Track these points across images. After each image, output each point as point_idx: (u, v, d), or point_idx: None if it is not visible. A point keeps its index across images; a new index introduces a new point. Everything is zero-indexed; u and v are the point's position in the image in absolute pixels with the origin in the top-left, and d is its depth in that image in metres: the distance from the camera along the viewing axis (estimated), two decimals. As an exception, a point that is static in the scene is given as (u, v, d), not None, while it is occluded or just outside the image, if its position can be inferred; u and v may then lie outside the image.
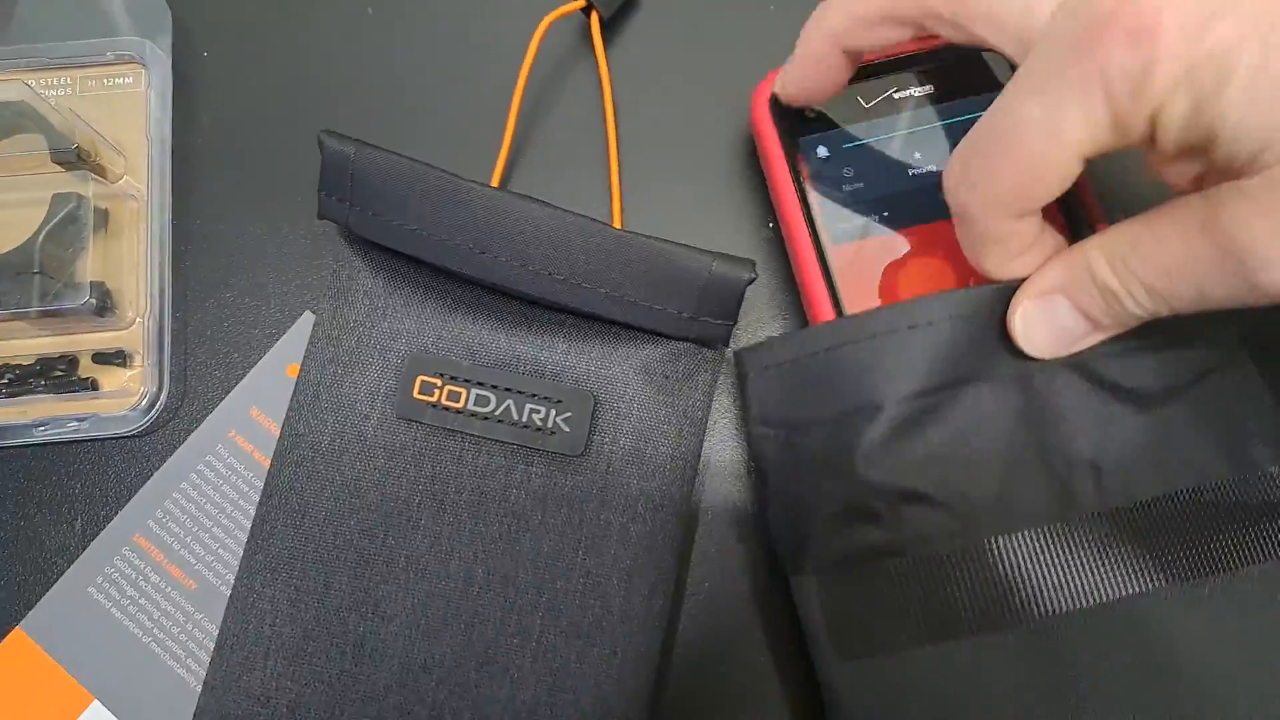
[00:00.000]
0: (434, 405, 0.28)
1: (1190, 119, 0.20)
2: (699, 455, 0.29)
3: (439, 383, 0.28)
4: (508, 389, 0.28)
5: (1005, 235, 0.24)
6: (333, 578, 0.27)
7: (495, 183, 0.31)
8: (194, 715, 0.27)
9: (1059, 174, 0.22)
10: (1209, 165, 0.21)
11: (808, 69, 0.27)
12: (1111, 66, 0.20)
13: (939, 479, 0.24)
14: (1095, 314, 0.24)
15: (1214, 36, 0.19)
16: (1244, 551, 0.23)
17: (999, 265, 0.24)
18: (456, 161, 0.28)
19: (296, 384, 0.29)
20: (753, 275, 0.27)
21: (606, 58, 0.32)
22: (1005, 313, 0.24)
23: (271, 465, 0.28)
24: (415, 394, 0.28)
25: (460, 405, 0.28)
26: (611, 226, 0.27)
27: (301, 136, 0.32)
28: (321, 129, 0.27)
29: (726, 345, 0.29)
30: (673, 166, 0.33)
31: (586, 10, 0.32)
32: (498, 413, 0.28)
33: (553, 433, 0.28)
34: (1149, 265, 0.22)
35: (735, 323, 0.28)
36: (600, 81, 0.33)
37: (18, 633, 0.29)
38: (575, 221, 0.27)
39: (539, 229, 0.27)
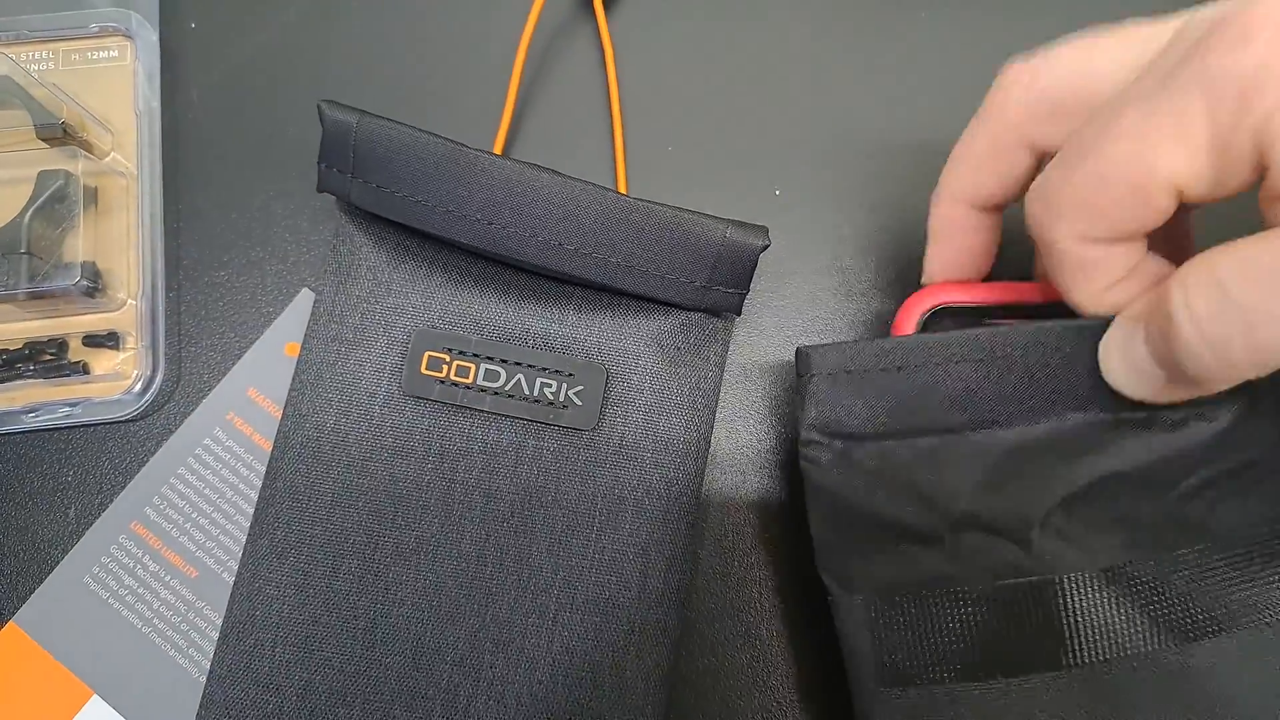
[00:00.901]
0: (442, 381, 0.27)
1: None
2: (712, 427, 0.28)
3: (447, 358, 0.27)
4: (518, 363, 0.27)
5: (1089, 262, 0.21)
6: (341, 561, 0.27)
7: (498, 153, 0.31)
8: (200, 705, 0.26)
9: (1149, 197, 0.19)
10: None
11: (950, 247, 0.25)
12: (1215, 66, 0.17)
13: (1009, 512, 0.23)
14: (1174, 343, 0.19)
15: None
16: None
17: (1089, 298, 0.21)
18: (456, 133, 0.27)
19: (298, 363, 0.28)
20: (766, 242, 0.26)
21: (609, 27, 0.32)
22: (1093, 349, 0.22)
23: (274, 447, 0.27)
24: (423, 370, 0.27)
25: (469, 380, 0.27)
26: (622, 194, 0.26)
27: (294, 109, 0.32)
28: (320, 99, 0.26)
29: (738, 314, 0.28)
30: (677, 134, 0.32)
31: (588, -24, 0.32)
32: (508, 387, 0.27)
33: (565, 407, 0.27)
34: (1227, 280, 0.18)
35: (748, 291, 0.27)
36: (603, 51, 0.32)
37: (11, 627, 0.28)
38: (585, 189, 0.26)
39: (548, 198, 0.26)
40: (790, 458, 0.29)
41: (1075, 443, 0.22)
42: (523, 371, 0.27)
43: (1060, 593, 0.23)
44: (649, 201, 0.26)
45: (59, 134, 0.30)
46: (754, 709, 0.28)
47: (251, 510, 0.28)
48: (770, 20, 0.32)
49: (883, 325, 0.31)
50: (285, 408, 0.28)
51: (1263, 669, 0.22)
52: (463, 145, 0.26)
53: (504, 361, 0.27)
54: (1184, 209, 0.20)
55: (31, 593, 0.28)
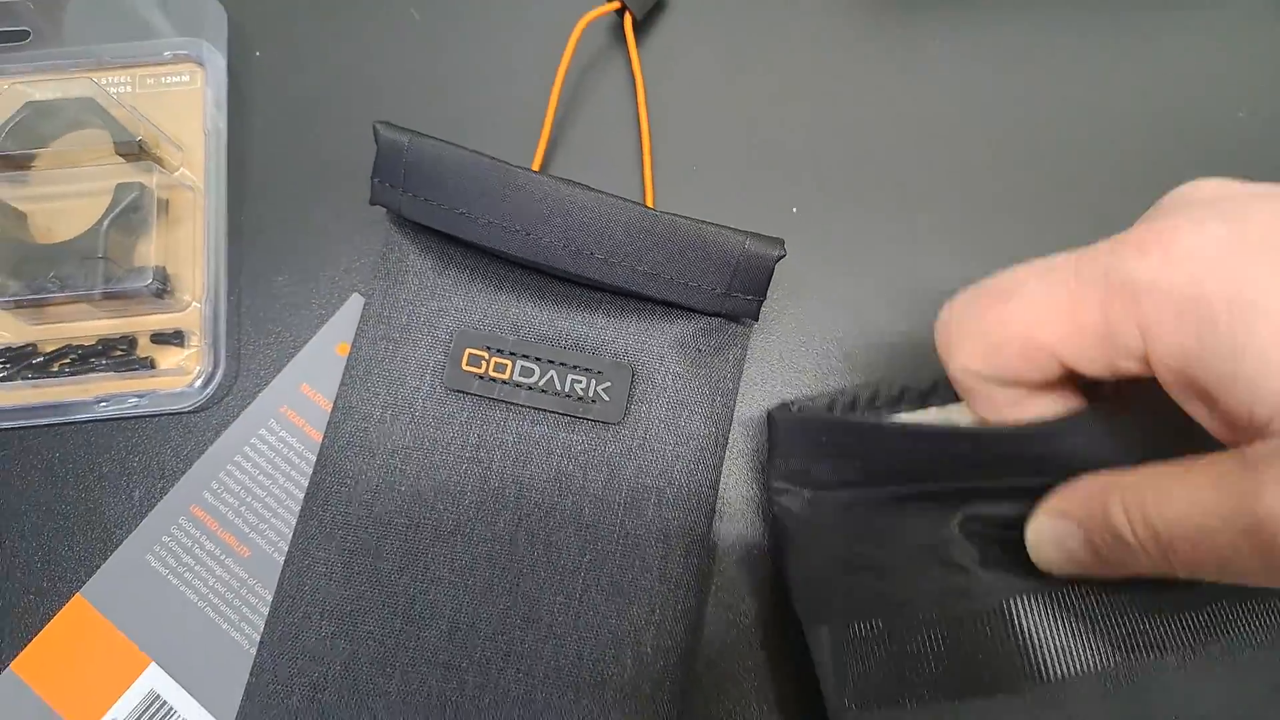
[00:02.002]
0: (481, 377, 0.29)
1: (1193, 349, 0.18)
2: (730, 424, 0.30)
3: (486, 355, 0.30)
4: (550, 361, 0.30)
5: (980, 392, 0.23)
6: (384, 541, 0.29)
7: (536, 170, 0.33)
8: (250, 673, 0.28)
9: (1032, 361, 0.21)
10: (1220, 412, 0.19)
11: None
12: (1121, 265, 0.19)
13: (958, 546, 0.25)
14: (1106, 551, 0.21)
15: (1245, 266, 0.18)
16: (1244, 622, 0.23)
17: (986, 414, 0.23)
18: (498, 152, 0.29)
19: (348, 360, 0.30)
20: (782, 252, 0.29)
21: (639, 55, 0.34)
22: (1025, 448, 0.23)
23: (325, 436, 0.30)
24: (463, 366, 0.30)
25: (506, 376, 0.30)
26: (649, 208, 0.29)
27: (349, 133, 0.34)
28: (375, 120, 0.29)
29: (755, 319, 0.30)
30: (701, 153, 0.34)
31: (620, 11, 0.34)
32: (541, 383, 0.29)
33: (593, 402, 0.29)
34: (1160, 516, 0.20)
35: (765, 298, 0.30)
36: (633, 77, 0.35)
37: (78, 599, 0.31)
38: (616, 203, 0.29)
39: (582, 211, 0.29)
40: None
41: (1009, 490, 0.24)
42: (555, 369, 0.30)
43: (1010, 614, 0.24)
44: (674, 214, 0.29)
45: (135, 150, 0.32)
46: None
47: (302, 496, 0.30)
48: (791, 44, 0.34)
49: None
50: (335, 401, 0.30)
51: (1215, 687, 0.23)
52: (504, 162, 0.29)
53: (538, 359, 0.30)
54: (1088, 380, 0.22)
55: (97, 568, 0.31)
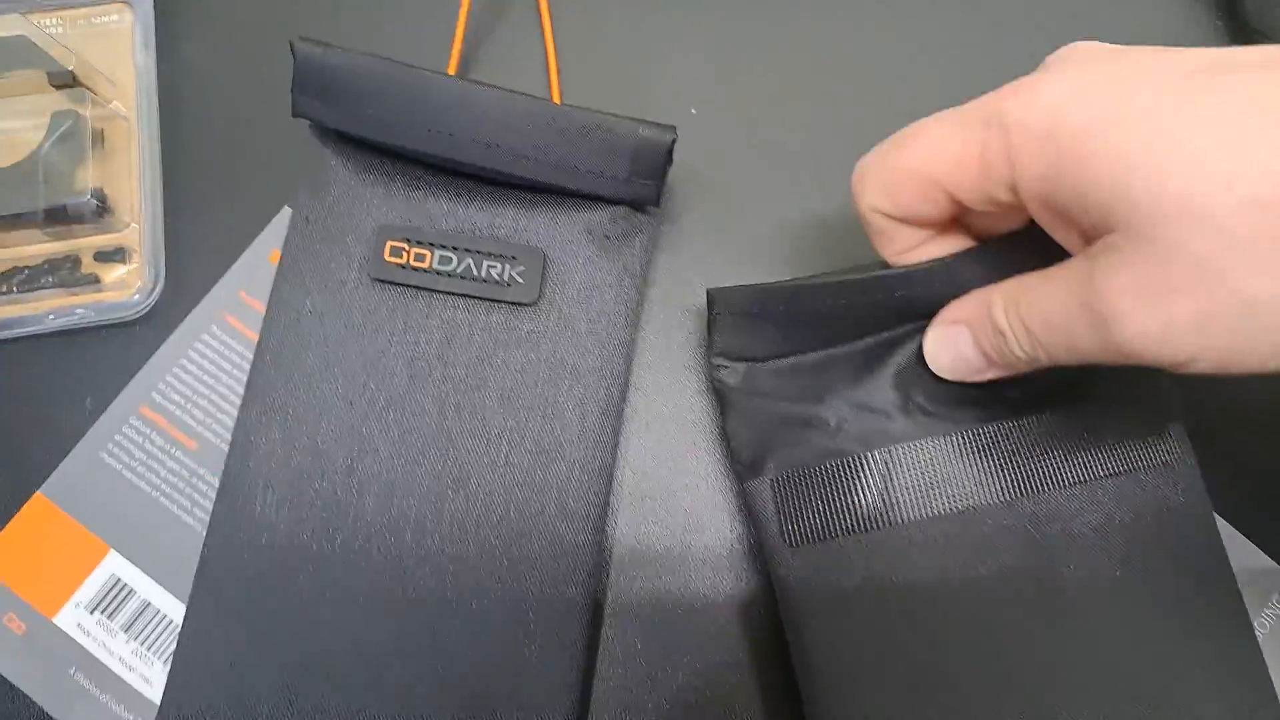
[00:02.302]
0: (403, 266, 0.32)
1: (1050, 174, 0.22)
2: (640, 304, 0.33)
3: (406, 246, 0.32)
4: (467, 249, 0.32)
5: (884, 231, 0.27)
6: (321, 419, 0.31)
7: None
8: (203, 546, 0.30)
9: (926, 194, 0.25)
10: (1076, 231, 0.23)
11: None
12: (997, 107, 0.22)
13: (882, 397, 0.29)
14: (988, 351, 0.26)
15: (1092, 104, 0.21)
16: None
17: (888, 256, 0.27)
18: (413, 61, 0.32)
19: (280, 261, 0.33)
20: (674, 136, 0.31)
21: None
22: (931, 292, 0.27)
23: (262, 331, 0.32)
24: (386, 257, 0.32)
25: (426, 265, 0.32)
26: (554, 102, 0.32)
27: (271, 56, 0.36)
28: (292, 37, 0.32)
29: (657, 205, 0.33)
30: (602, 62, 0.37)
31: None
32: (459, 270, 0.32)
33: (509, 285, 0.32)
34: (1033, 313, 0.23)
35: (663, 182, 0.32)
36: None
37: (39, 497, 0.33)
38: (522, 99, 0.31)
39: (490, 107, 0.31)
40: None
41: (900, 359, 0.29)
42: (471, 256, 0.32)
43: (926, 452, 0.28)
44: (576, 106, 0.31)
45: (69, 81, 0.35)
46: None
47: (243, 391, 0.33)
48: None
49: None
50: (270, 296, 0.32)
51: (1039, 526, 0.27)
52: (416, 67, 0.31)
53: (455, 248, 0.32)
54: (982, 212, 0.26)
55: (55, 468, 0.33)
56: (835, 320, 0.29)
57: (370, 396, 0.31)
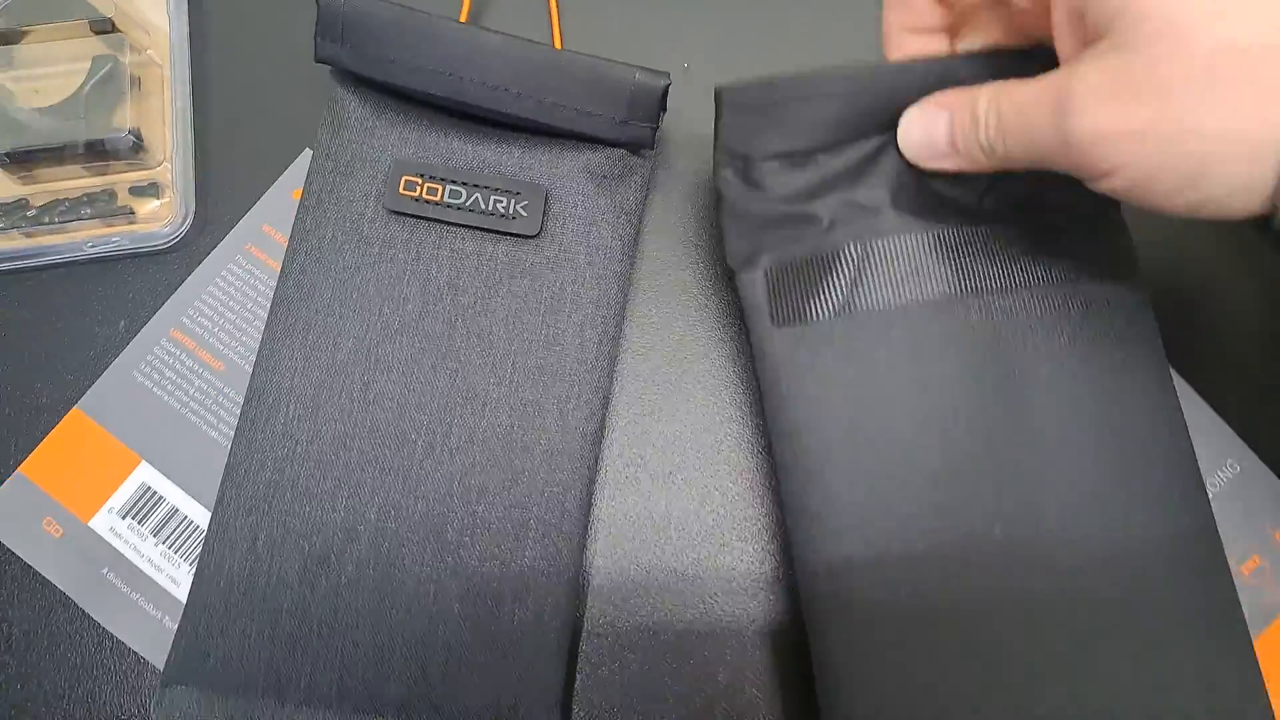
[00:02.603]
0: (416, 199, 0.35)
1: None
2: (635, 240, 0.36)
3: (420, 180, 0.35)
4: (476, 185, 0.35)
5: (898, 41, 0.30)
6: (340, 339, 0.34)
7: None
8: (230, 449, 0.33)
9: None
10: (1085, 31, 0.24)
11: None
12: None
13: (870, 196, 0.31)
14: (957, 135, 0.28)
15: None
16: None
17: (895, 46, 0.31)
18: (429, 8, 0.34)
19: (302, 196, 0.35)
20: (668, 81, 0.34)
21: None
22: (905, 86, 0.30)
23: (285, 259, 0.35)
24: (400, 190, 0.35)
25: (438, 199, 0.35)
26: (556, 48, 0.34)
27: (290, 11, 0.39)
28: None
29: (651, 148, 0.36)
30: (602, 17, 0.40)
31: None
32: (468, 204, 0.35)
33: (514, 218, 0.35)
34: (1010, 100, 0.26)
35: (658, 126, 0.35)
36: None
37: (76, 411, 0.35)
38: (526, 45, 0.34)
39: (497, 52, 0.34)
40: None
41: (888, 159, 0.31)
42: (480, 191, 0.35)
43: (907, 246, 0.31)
44: (576, 52, 0.34)
45: (108, 29, 0.37)
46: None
47: (265, 316, 0.35)
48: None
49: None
50: (292, 229, 0.35)
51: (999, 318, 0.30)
52: (430, 14, 0.34)
53: (464, 184, 0.35)
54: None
55: (90, 386, 0.35)
56: (833, 119, 0.31)
57: (385, 320, 0.34)
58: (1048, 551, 0.29)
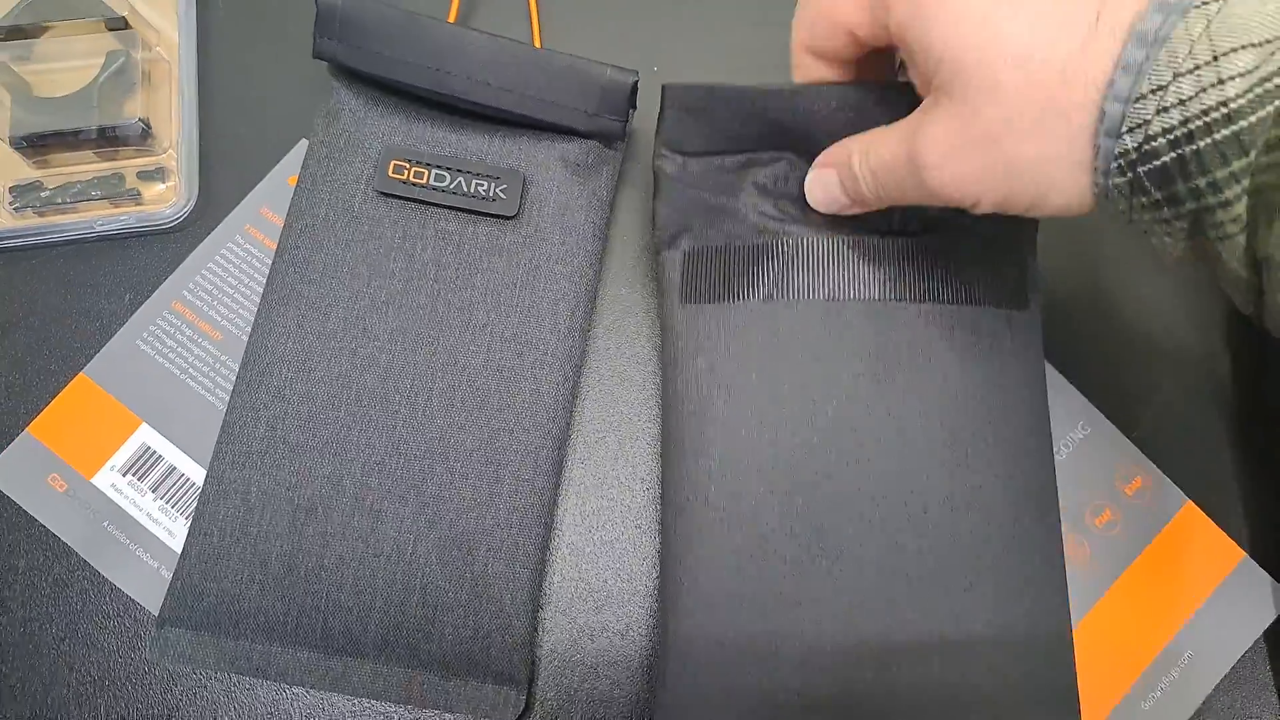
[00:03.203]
0: (404, 181, 0.38)
1: (908, 21, 0.26)
2: (606, 224, 0.39)
3: (407, 165, 0.38)
4: (459, 169, 0.38)
5: (804, 65, 0.32)
6: (329, 309, 0.36)
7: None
8: (226, 409, 0.36)
9: (832, 33, 0.30)
10: (923, 75, 0.27)
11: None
12: None
13: (784, 196, 0.35)
14: (848, 189, 0.31)
15: None
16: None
17: (799, 68, 0.33)
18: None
19: (298, 179, 0.38)
20: (636, 78, 0.37)
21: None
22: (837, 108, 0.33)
23: (281, 236, 0.37)
24: (389, 174, 0.38)
25: (424, 182, 0.38)
26: (535, 46, 0.37)
27: (289, 11, 0.42)
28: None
29: (622, 140, 0.39)
30: (580, 22, 0.43)
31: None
32: (452, 187, 0.38)
33: (493, 200, 0.38)
34: (876, 158, 0.29)
35: (627, 120, 0.38)
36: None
37: (82, 376, 0.38)
38: (507, 43, 0.37)
39: (482, 50, 0.37)
40: None
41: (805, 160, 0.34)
42: (462, 175, 0.38)
43: (805, 248, 0.34)
44: (553, 50, 0.37)
45: (121, 25, 0.40)
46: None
47: (263, 288, 0.38)
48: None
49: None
50: (289, 209, 0.38)
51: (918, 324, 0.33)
52: (419, 15, 0.37)
53: (449, 169, 0.38)
54: (877, 52, 0.31)
55: (96, 353, 0.38)
56: (757, 130, 0.34)
57: (373, 292, 0.37)
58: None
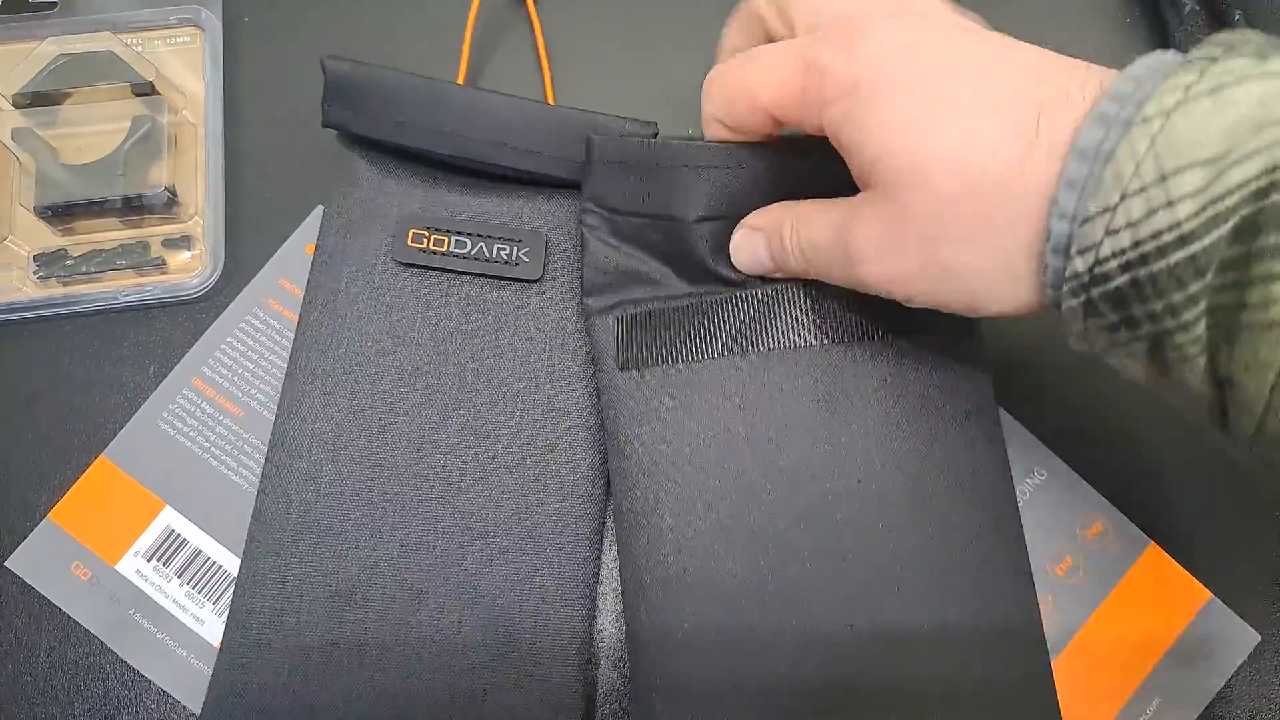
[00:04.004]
0: (424, 250, 0.35)
1: (844, 119, 0.25)
2: None
3: (427, 233, 0.36)
4: (480, 234, 0.36)
5: (714, 131, 0.31)
6: (357, 384, 0.35)
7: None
8: (258, 494, 0.34)
9: (754, 112, 0.28)
10: (856, 168, 0.27)
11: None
12: (818, 55, 0.26)
13: (713, 255, 0.33)
14: (776, 257, 0.30)
15: (887, 70, 0.24)
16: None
17: (711, 131, 0.31)
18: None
19: (316, 252, 0.36)
20: (656, 131, 0.34)
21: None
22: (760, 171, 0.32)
23: (301, 311, 0.36)
24: (409, 243, 0.36)
25: (444, 249, 0.35)
26: (550, 104, 0.35)
27: (316, 77, 0.41)
28: (323, 55, 0.35)
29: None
30: (595, 85, 0.41)
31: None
32: (473, 253, 0.35)
33: (517, 264, 0.35)
34: (806, 237, 0.29)
35: None
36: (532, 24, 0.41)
37: (102, 459, 0.37)
38: (523, 103, 0.35)
39: (496, 111, 0.35)
40: None
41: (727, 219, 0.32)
42: (484, 240, 0.35)
43: (741, 302, 0.32)
44: (567, 107, 0.35)
45: (148, 90, 0.39)
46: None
47: (283, 365, 0.36)
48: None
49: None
50: (308, 281, 0.36)
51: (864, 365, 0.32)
52: (430, 78, 0.35)
53: (469, 234, 0.36)
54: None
55: (118, 432, 0.37)
56: (683, 184, 0.32)
57: (399, 365, 0.35)
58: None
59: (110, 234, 0.39)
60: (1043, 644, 0.30)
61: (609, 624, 0.35)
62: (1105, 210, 0.21)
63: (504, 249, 0.35)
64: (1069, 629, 0.35)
